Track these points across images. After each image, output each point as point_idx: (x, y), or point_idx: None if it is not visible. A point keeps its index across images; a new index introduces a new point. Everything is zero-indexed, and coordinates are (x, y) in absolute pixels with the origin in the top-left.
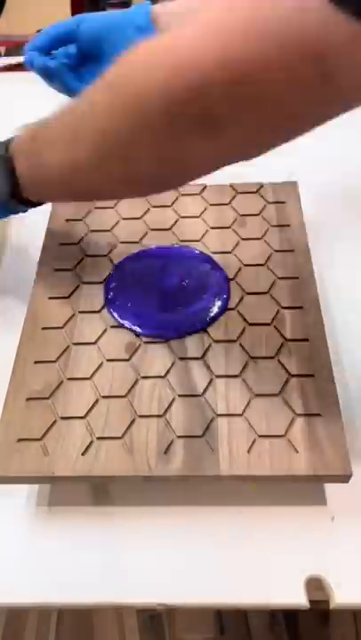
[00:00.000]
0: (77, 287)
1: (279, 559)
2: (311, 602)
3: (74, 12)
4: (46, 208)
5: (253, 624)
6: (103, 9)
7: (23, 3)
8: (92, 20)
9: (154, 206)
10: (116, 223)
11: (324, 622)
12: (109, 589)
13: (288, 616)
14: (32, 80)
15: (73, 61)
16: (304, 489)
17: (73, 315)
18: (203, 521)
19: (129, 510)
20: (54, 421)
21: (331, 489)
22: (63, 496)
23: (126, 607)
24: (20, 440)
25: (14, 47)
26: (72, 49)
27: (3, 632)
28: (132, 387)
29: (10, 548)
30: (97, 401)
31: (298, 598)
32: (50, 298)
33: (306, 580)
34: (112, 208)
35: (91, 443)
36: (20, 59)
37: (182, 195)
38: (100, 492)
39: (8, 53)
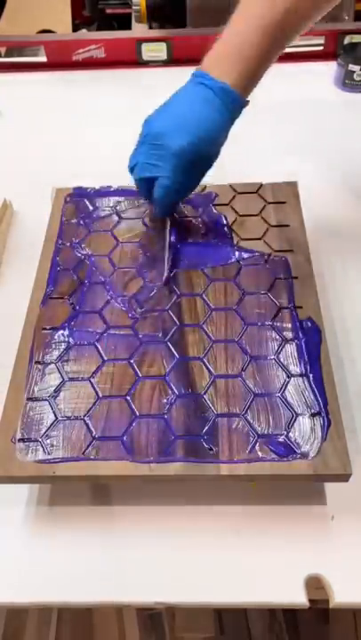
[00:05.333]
0: (77, 287)
1: (279, 559)
2: (311, 601)
3: (74, 12)
4: (46, 208)
5: (253, 623)
6: (102, 10)
7: (23, 3)
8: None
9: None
10: (116, 223)
11: (324, 621)
12: (109, 588)
13: (288, 615)
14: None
15: None
16: (304, 489)
17: (73, 315)
18: (202, 521)
19: (129, 510)
20: (54, 421)
21: (331, 489)
22: (63, 496)
23: (126, 606)
24: (20, 440)
25: (14, 47)
26: None
27: (3, 632)
28: (133, 387)
29: (10, 547)
30: (97, 401)
31: (298, 597)
32: (50, 298)
33: (306, 579)
34: (111, 208)
35: (91, 442)
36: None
37: None
38: (100, 491)
39: (8, 53)
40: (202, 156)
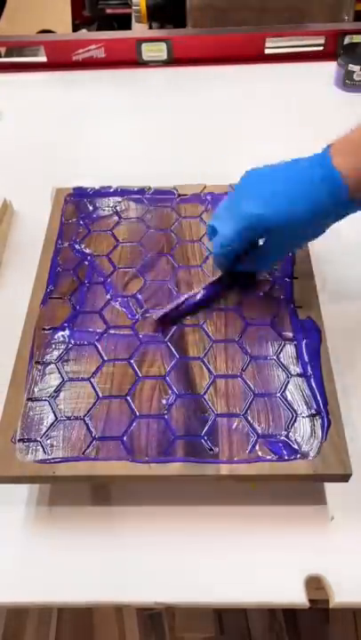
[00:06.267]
0: (77, 287)
1: (279, 559)
2: (311, 601)
3: (74, 12)
4: (46, 208)
5: (253, 624)
6: (102, 10)
7: (23, 3)
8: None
9: (154, 207)
10: (117, 223)
11: (324, 622)
12: (109, 588)
13: (288, 616)
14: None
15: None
16: (304, 489)
17: (73, 315)
18: (202, 521)
19: (129, 510)
20: (55, 421)
21: (331, 489)
22: (63, 496)
23: (126, 606)
24: (20, 440)
25: (14, 47)
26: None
27: (3, 632)
28: (133, 387)
29: (10, 547)
30: (97, 401)
31: (298, 598)
32: (50, 298)
33: (306, 579)
34: (111, 208)
35: (91, 442)
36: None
37: (182, 195)
38: (100, 491)
39: (8, 53)
40: (272, 231)
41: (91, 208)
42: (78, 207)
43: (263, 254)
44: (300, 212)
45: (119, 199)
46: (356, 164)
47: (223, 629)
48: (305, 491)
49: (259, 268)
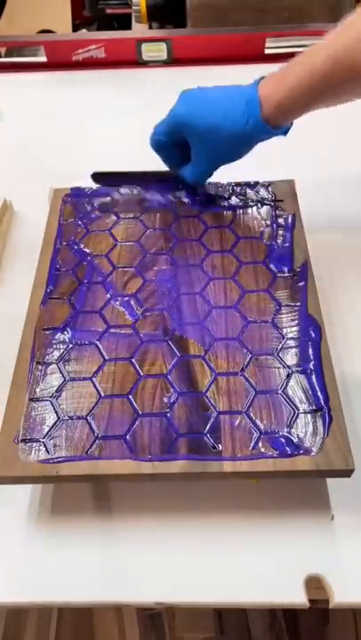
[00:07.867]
0: (77, 287)
1: (279, 559)
2: (311, 601)
3: (74, 12)
4: (47, 208)
5: (253, 624)
6: (102, 10)
7: (23, 3)
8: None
9: (152, 206)
10: (115, 223)
11: (324, 622)
12: (109, 588)
13: (288, 615)
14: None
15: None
16: (305, 488)
17: (73, 315)
18: (202, 520)
19: (129, 510)
20: (57, 421)
21: (331, 489)
22: (65, 495)
23: (126, 606)
24: (23, 440)
25: (14, 47)
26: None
27: (3, 632)
28: (134, 385)
29: (11, 547)
30: (99, 400)
31: (298, 598)
32: (50, 298)
33: (306, 579)
34: (109, 207)
35: (94, 442)
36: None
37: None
38: (101, 491)
39: (8, 53)
40: (191, 133)
41: (89, 208)
42: (76, 207)
43: (193, 161)
44: (215, 118)
45: (117, 199)
46: (273, 88)
47: (223, 629)
48: (305, 490)
49: (191, 176)
